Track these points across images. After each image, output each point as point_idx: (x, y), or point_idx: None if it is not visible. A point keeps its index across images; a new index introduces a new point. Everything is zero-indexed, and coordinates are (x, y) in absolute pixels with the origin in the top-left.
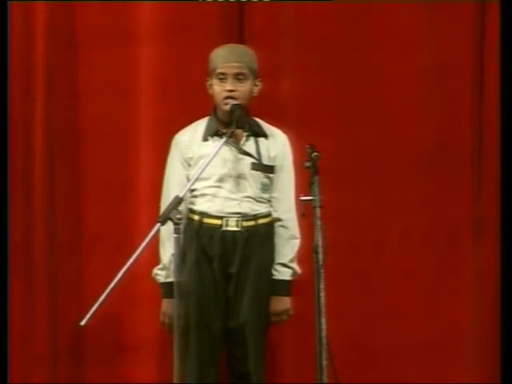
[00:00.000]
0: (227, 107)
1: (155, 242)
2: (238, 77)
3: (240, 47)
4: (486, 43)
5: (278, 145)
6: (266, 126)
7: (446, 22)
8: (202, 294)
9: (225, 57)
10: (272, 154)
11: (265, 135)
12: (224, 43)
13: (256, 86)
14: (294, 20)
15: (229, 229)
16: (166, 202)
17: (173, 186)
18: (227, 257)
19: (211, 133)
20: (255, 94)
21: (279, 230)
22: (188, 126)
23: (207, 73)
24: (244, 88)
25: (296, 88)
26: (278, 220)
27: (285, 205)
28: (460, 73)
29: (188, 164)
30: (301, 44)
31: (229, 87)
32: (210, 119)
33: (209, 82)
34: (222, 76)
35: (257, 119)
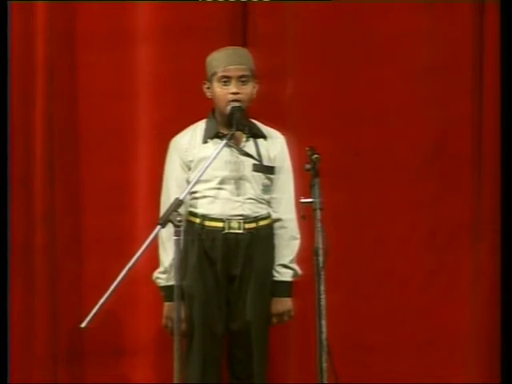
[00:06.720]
0: (229, 109)
1: (155, 244)
2: (242, 79)
3: (240, 50)
4: (486, 43)
5: (277, 146)
6: (264, 127)
7: (446, 22)
8: (205, 296)
9: (227, 60)
10: (272, 155)
11: (263, 136)
12: (226, 44)
13: (254, 87)
14: (296, 20)
15: (231, 231)
16: (165, 204)
17: (173, 188)
18: (230, 259)
19: (211, 135)
20: (254, 96)
21: (279, 231)
22: (186, 129)
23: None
24: (247, 90)
25: (298, 89)
26: (278, 221)
27: (285, 205)
28: (459, 73)
29: (188, 167)
30: (302, 44)
31: (234, 90)
32: (208, 121)
33: (206, 86)
34: (225, 79)
35: (254, 121)
